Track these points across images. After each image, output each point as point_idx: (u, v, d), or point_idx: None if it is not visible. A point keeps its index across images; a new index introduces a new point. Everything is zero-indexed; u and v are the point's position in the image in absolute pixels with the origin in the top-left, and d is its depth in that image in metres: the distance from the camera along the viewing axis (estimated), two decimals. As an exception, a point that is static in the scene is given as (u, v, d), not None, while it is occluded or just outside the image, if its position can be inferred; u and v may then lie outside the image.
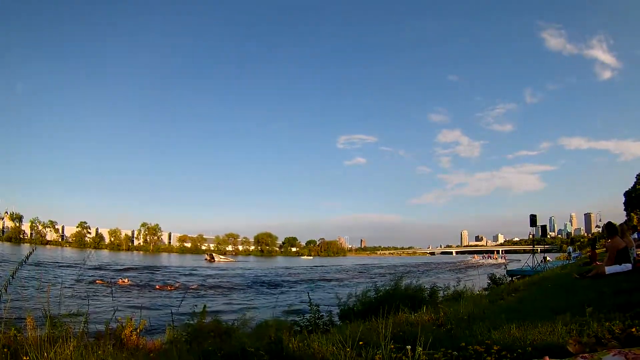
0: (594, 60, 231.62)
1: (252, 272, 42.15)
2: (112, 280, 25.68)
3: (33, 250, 4.68)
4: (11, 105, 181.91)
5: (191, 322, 6.98)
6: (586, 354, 2.56)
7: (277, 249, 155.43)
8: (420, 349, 2.84)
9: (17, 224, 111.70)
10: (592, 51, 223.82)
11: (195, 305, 7.80)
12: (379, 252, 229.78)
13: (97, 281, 23.98)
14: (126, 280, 25.49)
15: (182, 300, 9.14)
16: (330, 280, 34.30)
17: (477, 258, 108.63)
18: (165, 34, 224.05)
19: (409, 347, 2.93)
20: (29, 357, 3.66)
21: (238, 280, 31.06)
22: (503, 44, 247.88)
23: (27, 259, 4.29)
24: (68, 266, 33.86)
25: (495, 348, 3.17)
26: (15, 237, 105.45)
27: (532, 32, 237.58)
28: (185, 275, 35.45)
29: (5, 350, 3.91)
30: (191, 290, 22.79)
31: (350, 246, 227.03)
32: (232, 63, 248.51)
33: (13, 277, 4.11)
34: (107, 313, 7.55)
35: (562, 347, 3.02)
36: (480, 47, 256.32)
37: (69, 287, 12.30)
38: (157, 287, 23.65)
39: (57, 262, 38.54)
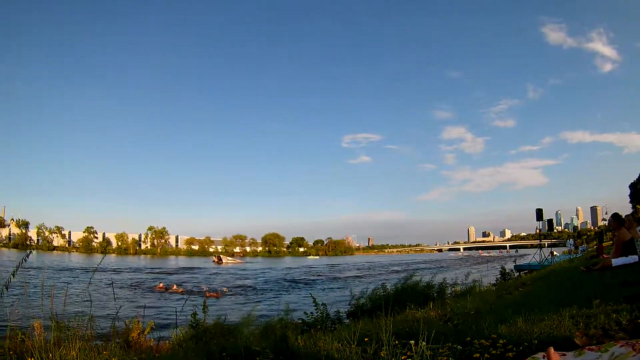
0: (595, 53, 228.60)
1: (260, 273, 42.20)
2: (144, 285, 25.84)
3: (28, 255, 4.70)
4: (12, 108, 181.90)
5: (195, 323, 7.01)
6: (593, 346, 2.51)
7: (285, 249, 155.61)
8: (424, 343, 2.82)
9: (24, 231, 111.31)
10: (592, 44, 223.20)
11: (196, 306, 7.80)
12: (387, 250, 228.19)
13: (132, 285, 24.21)
14: (175, 287, 24.22)
15: (185, 302, 9.25)
16: (338, 279, 34.18)
17: (483, 253, 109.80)
18: (168, 34, 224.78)
19: (412, 342, 2.92)
20: (34, 358, 3.73)
21: (246, 281, 31.11)
22: (504, 40, 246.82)
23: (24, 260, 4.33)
24: (83, 270, 34.49)
25: (500, 342, 3.15)
26: (21, 244, 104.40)
27: (532, 26, 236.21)
28: (195, 277, 35.47)
29: (11, 353, 3.98)
30: (200, 294, 22.75)
31: (357, 245, 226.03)
32: (233, 63, 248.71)
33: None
34: (126, 316, 7.58)
35: (569, 340, 3.00)
36: (481, 44, 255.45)
37: (82, 292, 12.53)
38: (180, 290, 23.13)
39: (72, 267, 39.32)
